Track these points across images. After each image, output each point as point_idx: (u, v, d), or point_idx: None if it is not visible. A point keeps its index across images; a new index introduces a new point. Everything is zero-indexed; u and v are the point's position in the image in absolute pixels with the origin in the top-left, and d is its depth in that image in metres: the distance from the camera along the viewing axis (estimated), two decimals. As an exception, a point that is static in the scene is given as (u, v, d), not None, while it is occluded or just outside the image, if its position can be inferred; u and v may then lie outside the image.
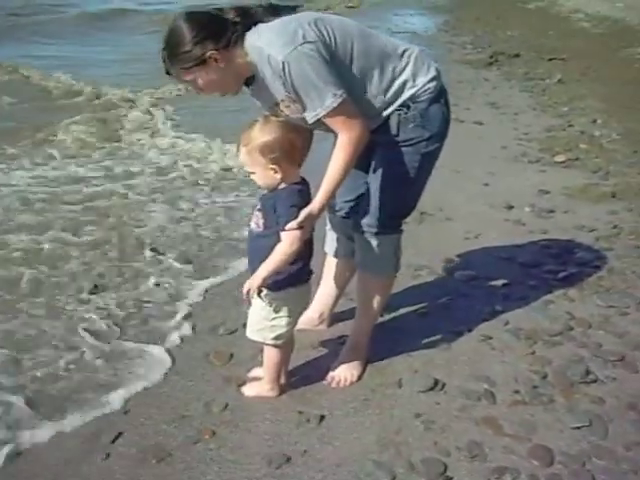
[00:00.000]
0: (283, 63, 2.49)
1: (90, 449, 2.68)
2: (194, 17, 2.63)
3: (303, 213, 2.58)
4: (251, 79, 2.71)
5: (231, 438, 2.74)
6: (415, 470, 2.54)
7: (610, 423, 2.80)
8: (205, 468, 2.58)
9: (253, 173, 2.66)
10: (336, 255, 3.33)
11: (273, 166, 2.60)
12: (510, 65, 10.95)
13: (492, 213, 5.04)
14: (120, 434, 2.76)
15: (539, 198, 5.33)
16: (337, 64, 2.59)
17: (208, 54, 2.57)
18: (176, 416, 2.86)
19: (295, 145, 2.64)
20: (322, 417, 2.83)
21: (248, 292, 2.64)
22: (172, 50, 2.61)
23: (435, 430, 2.77)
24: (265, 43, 2.56)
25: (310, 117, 2.59)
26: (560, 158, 6.28)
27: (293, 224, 2.57)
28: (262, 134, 2.58)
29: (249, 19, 2.67)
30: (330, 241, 3.33)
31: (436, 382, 3.05)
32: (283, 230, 2.59)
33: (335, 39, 2.61)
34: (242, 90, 2.80)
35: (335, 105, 2.53)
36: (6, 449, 2.65)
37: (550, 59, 11.04)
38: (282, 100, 2.66)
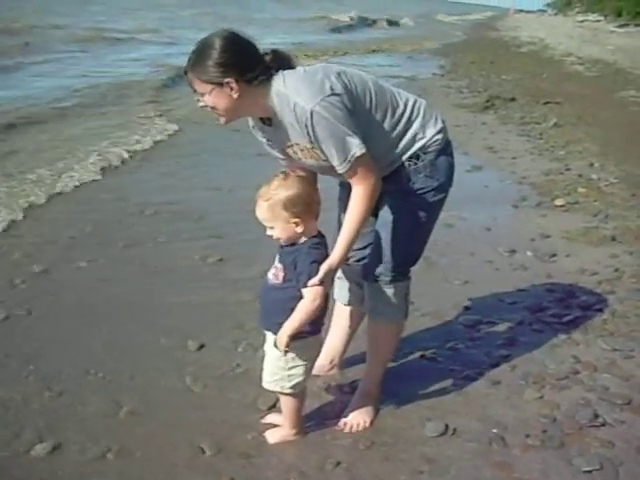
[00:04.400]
0: (311, 113, 2.56)
1: None
2: (234, 40, 2.68)
3: (323, 269, 2.65)
4: (268, 120, 2.78)
5: None
6: (431, 515, 2.58)
7: (620, 466, 2.84)
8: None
9: (272, 228, 2.71)
10: (345, 302, 3.39)
11: (296, 220, 2.65)
12: (506, 109, 11.15)
13: (496, 258, 5.12)
14: None
15: (541, 242, 5.42)
16: (358, 116, 2.68)
17: (227, 80, 2.62)
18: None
19: (314, 199, 2.73)
20: (339, 463, 2.87)
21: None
22: (198, 58, 2.66)
23: (448, 476, 2.80)
24: (292, 91, 2.63)
25: (339, 169, 2.67)
26: (560, 202, 6.39)
27: (315, 281, 2.63)
28: (284, 189, 2.64)
29: (281, 64, 2.74)
30: (339, 289, 3.39)
31: (447, 427, 3.09)
32: (305, 287, 2.65)
33: (357, 91, 2.71)
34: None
35: (357, 156, 2.62)
36: None
37: (545, 102, 11.27)
38: (297, 144, 2.75)
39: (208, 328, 4.01)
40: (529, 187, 6.96)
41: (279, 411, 3.08)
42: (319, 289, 2.65)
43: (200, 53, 2.67)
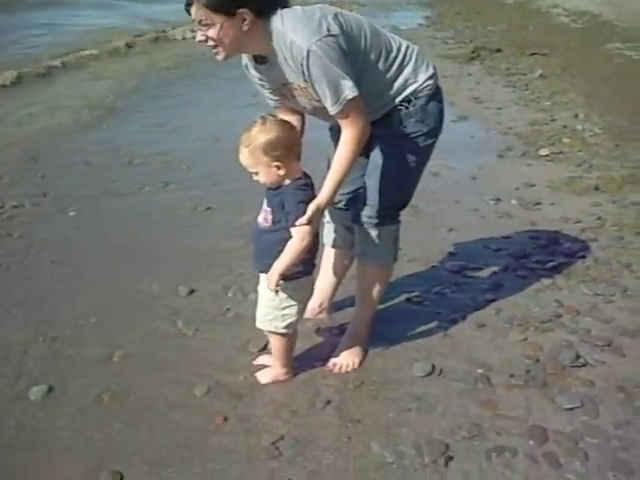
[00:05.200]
0: (308, 52, 2.55)
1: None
2: None
3: (311, 208, 2.69)
4: (263, 58, 2.77)
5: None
6: (419, 450, 2.66)
7: (601, 404, 2.93)
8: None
9: (256, 173, 2.74)
10: (334, 245, 3.44)
11: (277, 163, 2.68)
12: (492, 60, 11.12)
13: (481, 206, 5.18)
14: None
15: (525, 191, 5.48)
16: (353, 57, 2.69)
17: (242, 10, 2.58)
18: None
19: (295, 141, 2.75)
20: (329, 401, 2.95)
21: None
22: None
23: (435, 413, 2.89)
24: (289, 29, 2.61)
25: (331, 110, 2.67)
26: (544, 152, 6.44)
27: (303, 220, 2.67)
28: (263, 133, 2.65)
29: (278, 2, 2.70)
30: (328, 232, 3.43)
31: (433, 367, 3.18)
32: (293, 226, 2.70)
33: (353, 33, 2.72)
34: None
35: (349, 98, 2.63)
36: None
37: (531, 54, 11.24)
38: (291, 83, 2.76)
39: (198, 274, 4.07)
40: (514, 137, 7.00)
41: (270, 353, 3.16)
42: (307, 228, 2.69)
43: None
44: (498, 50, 11.70)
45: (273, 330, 2.98)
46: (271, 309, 2.92)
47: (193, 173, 5.96)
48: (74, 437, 2.75)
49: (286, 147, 2.68)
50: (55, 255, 4.38)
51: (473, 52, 11.49)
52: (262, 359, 3.22)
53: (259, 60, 2.82)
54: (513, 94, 8.90)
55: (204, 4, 2.57)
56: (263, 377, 3.11)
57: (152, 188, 5.59)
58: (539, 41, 12.31)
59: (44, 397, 2.99)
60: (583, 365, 3.21)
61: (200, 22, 2.61)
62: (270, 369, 3.13)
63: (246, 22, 2.61)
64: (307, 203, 2.70)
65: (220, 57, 2.73)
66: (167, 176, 5.86)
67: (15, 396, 3.00)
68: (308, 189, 2.78)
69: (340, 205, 3.26)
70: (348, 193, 3.20)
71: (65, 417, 2.87)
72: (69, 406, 2.94)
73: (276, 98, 2.98)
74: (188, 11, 2.64)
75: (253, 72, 2.95)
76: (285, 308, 2.90)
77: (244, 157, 2.71)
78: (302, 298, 2.96)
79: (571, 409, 2.90)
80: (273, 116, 2.79)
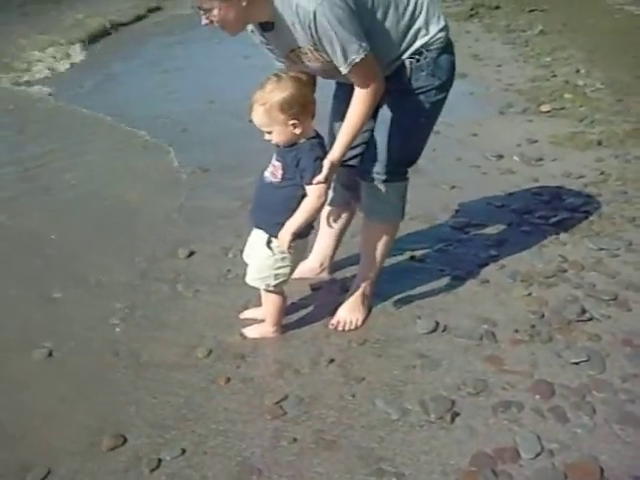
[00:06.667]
0: (314, 13, 2.47)
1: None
2: None
3: (326, 165, 2.65)
4: (269, 25, 2.69)
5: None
6: (424, 407, 2.64)
7: (607, 358, 2.91)
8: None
9: (269, 133, 2.67)
10: (332, 204, 3.37)
11: (293, 121, 2.62)
12: (491, 17, 10.96)
13: (483, 163, 5.11)
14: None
15: (527, 147, 5.41)
16: (360, 13, 2.59)
17: None
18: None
19: (309, 98, 2.69)
20: (332, 360, 2.92)
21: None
22: None
23: (440, 369, 2.86)
24: None
25: (342, 70, 2.61)
26: (546, 108, 6.36)
27: (320, 177, 2.63)
28: (279, 91, 2.59)
29: None
30: None
31: (437, 324, 3.15)
32: (309, 184, 2.65)
33: None
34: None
35: (359, 59, 2.56)
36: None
37: (530, 10, 11.05)
38: (300, 47, 2.67)
39: (197, 236, 4.02)
40: (515, 94, 6.91)
41: (255, 306, 3.18)
42: (324, 186, 2.66)
43: None
44: (497, 7, 11.51)
45: (264, 287, 2.96)
46: (265, 267, 2.89)
47: (190, 135, 5.87)
48: (76, 400, 2.72)
49: (302, 105, 2.63)
50: (52, 214, 4.34)
51: (471, 9, 11.30)
52: (248, 313, 3.22)
53: (265, 27, 2.73)
54: (513, 51, 8.77)
55: None
56: (251, 332, 3.10)
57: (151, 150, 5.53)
58: (538, -3, 12.13)
59: (45, 359, 2.97)
60: (589, 319, 3.18)
61: (200, 7, 2.59)
62: (258, 325, 3.12)
63: None
64: (322, 160, 2.66)
65: (230, 33, 2.70)
66: (165, 138, 5.79)
67: (16, 357, 2.98)
68: (322, 145, 2.74)
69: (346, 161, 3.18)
70: (354, 148, 3.11)
71: (67, 380, 2.84)
72: (70, 368, 2.91)
73: (285, 62, 2.89)
74: None
75: (260, 38, 2.86)
76: (279, 268, 2.88)
77: (259, 116, 2.64)
78: (296, 259, 2.94)
79: (577, 363, 2.88)
80: (284, 71, 2.72)
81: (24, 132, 6.06)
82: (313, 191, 2.66)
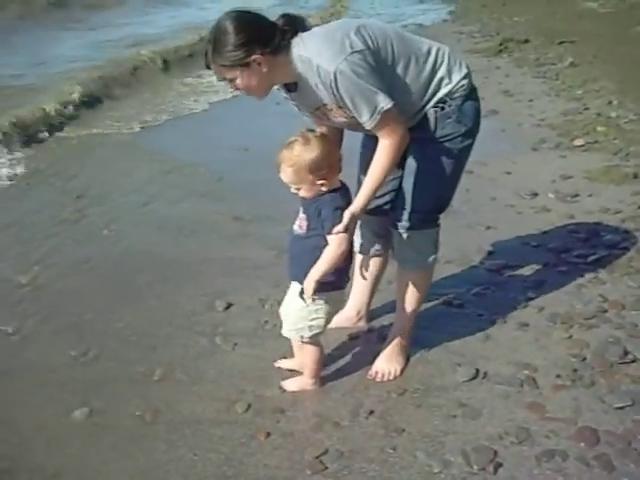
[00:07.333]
0: (335, 74, 2.55)
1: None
2: (243, 18, 2.66)
3: (347, 215, 2.68)
4: (293, 85, 2.78)
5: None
6: (466, 458, 2.60)
7: (653, 401, 2.85)
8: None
9: (298, 189, 2.74)
10: (361, 252, 3.37)
11: (322, 181, 2.69)
12: (520, 51, 10.96)
13: (517, 201, 5.09)
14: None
15: (562, 183, 5.38)
16: (381, 69, 2.65)
17: (253, 58, 2.62)
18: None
19: (336, 157, 2.76)
20: (372, 412, 2.91)
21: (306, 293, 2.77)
22: (216, 47, 2.65)
23: (481, 418, 2.83)
24: (313, 53, 2.62)
25: (367, 125, 2.66)
26: (579, 142, 6.32)
27: (340, 227, 2.66)
28: (307, 153, 2.66)
29: (295, 27, 2.72)
30: (357, 240, 3.38)
31: (477, 371, 3.12)
32: (329, 234, 2.68)
33: (378, 44, 2.68)
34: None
35: (382, 113, 2.61)
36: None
37: (560, 42, 11.03)
38: (325, 105, 2.74)
39: (234, 288, 4.04)
40: (547, 129, 6.88)
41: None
42: (344, 235, 2.68)
43: (217, 42, 2.65)
44: (526, 41, 11.51)
45: (299, 339, 2.97)
46: (300, 319, 2.90)
47: (225, 184, 5.93)
48: (117, 459, 2.74)
49: (329, 165, 2.70)
50: (90, 271, 4.40)
51: (500, 44, 11.31)
52: (282, 363, 3.24)
53: (290, 87, 2.82)
54: (544, 85, 8.75)
55: (219, 65, 2.67)
56: (289, 385, 3.10)
57: (187, 199, 5.60)
58: (567, 29, 12.08)
59: (86, 418, 2.99)
60: (632, 361, 3.13)
61: (224, 79, 2.71)
62: (297, 378, 3.12)
63: (262, 65, 2.64)
64: (343, 210, 2.69)
65: (257, 97, 2.82)
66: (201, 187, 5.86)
67: (58, 417, 3.00)
68: (345, 197, 2.78)
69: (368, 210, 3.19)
70: (381, 196, 3.14)
71: (108, 439, 2.86)
72: (111, 427, 2.93)
73: (312, 118, 2.95)
74: (209, 67, 2.75)
75: (286, 96, 2.94)
76: (314, 319, 2.89)
77: (287, 176, 2.71)
78: (331, 311, 2.94)
79: (622, 408, 2.83)
80: (312, 130, 2.78)
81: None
82: (333, 240, 2.69)
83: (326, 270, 2.71)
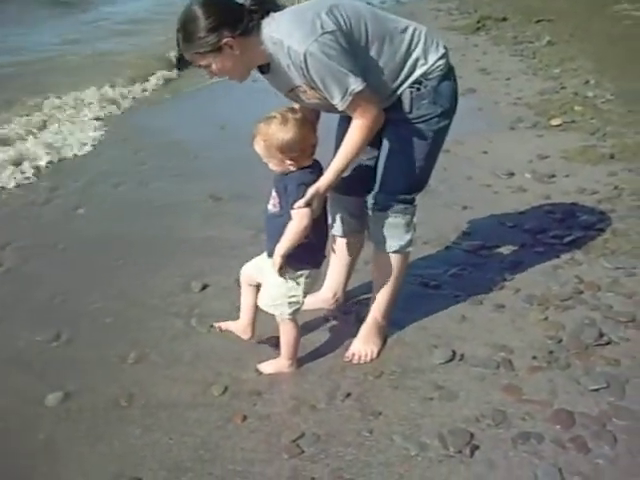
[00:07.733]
0: (305, 55, 2.52)
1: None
2: (211, 2, 2.64)
3: (310, 191, 2.67)
4: (266, 67, 2.75)
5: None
6: (443, 440, 2.60)
7: (627, 383, 2.87)
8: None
9: (268, 162, 2.76)
10: (340, 233, 3.34)
11: (290, 162, 2.71)
12: (498, 29, 10.97)
13: (494, 181, 5.09)
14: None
15: (539, 163, 5.39)
16: (354, 49, 2.62)
17: (224, 41, 2.59)
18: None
19: (310, 142, 2.75)
20: (348, 394, 2.90)
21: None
22: (187, 35, 2.63)
23: (458, 401, 2.83)
24: (284, 34, 2.58)
25: (339, 106, 2.64)
26: (556, 122, 6.33)
27: (301, 202, 2.66)
28: (282, 133, 2.65)
29: (264, 7, 2.68)
30: (334, 220, 3.35)
31: (454, 353, 3.12)
32: (292, 209, 2.68)
33: (351, 24, 2.64)
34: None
35: (353, 95, 2.58)
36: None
37: (537, 21, 11.06)
38: (298, 86, 2.72)
39: (210, 269, 4.01)
40: (524, 107, 6.89)
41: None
42: (305, 210, 2.67)
43: (187, 29, 2.63)
44: (504, 19, 11.53)
45: (278, 315, 2.96)
46: (279, 295, 2.90)
47: (201, 162, 5.88)
48: (93, 444, 2.71)
49: (301, 149, 2.71)
50: (63, 251, 4.36)
51: (478, 22, 11.32)
52: (222, 324, 3.23)
53: (263, 69, 2.80)
54: (521, 63, 8.76)
55: (192, 53, 2.67)
56: (266, 368, 3.09)
57: (161, 178, 5.54)
58: (545, 7, 12.10)
59: (60, 404, 2.95)
60: (607, 343, 3.14)
61: (199, 66, 2.71)
62: (274, 360, 3.10)
63: (235, 48, 2.63)
64: (308, 186, 2.69)
65: (237, 80, 2.83)
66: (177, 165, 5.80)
67: (32, 403, 2.95)
68: (313, 174, 2.77)
69: (342, 190, 3.16)
70: (357, 178, 3.11)
71: (83, 423, 2.83)
72: (86, 412, 2.89)
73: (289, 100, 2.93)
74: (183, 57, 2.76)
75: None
76: (292, 296, 2.89)
77: (259, 147, 2.73)
78: (308, 289, 2.96)
79: (597, 390, 2.84)
80: (294, 111, 2.76)
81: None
82: (295, 215, 2.69)
83: (290, 246, 2.71)
